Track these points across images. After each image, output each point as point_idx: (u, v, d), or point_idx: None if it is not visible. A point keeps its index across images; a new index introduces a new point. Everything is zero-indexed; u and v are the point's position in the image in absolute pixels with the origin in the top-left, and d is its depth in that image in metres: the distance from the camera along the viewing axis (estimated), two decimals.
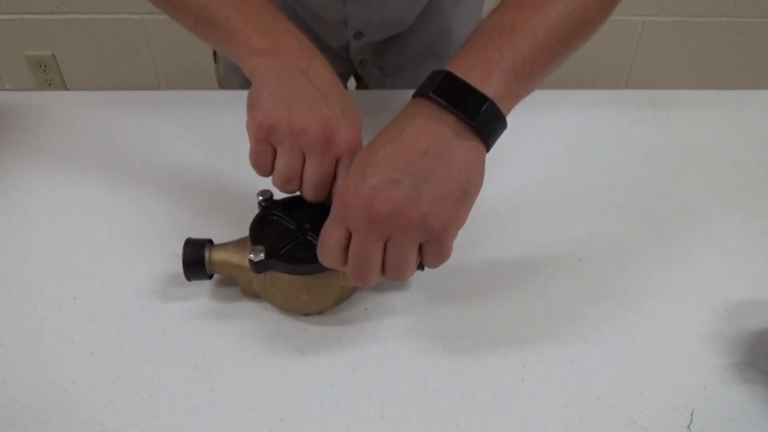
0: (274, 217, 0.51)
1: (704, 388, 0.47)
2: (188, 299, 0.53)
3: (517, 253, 0.57)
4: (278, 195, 0.51)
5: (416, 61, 0.80)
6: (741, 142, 0.71)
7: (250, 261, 0.47)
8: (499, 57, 0.43)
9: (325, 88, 0.47)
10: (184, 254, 0.49)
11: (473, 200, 0.43)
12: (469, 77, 0.42)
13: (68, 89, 1.79)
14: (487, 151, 0.43)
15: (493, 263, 0.56)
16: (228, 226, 0.57)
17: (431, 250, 0.42)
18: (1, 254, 0.56)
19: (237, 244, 0.51)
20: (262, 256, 0.47)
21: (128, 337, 0.50)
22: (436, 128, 0.41)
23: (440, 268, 0.55)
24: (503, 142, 0.68)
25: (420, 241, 0.42)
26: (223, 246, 0.51)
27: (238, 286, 0.53)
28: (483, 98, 0.41)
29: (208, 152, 0.67)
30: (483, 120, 0.41)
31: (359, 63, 0.82)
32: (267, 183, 0.49)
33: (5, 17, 1.66)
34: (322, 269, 0.47)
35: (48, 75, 1.78)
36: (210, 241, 0.51)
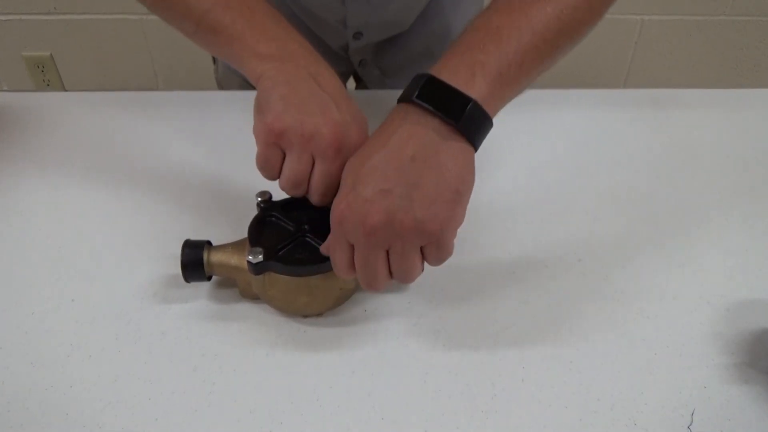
0: (273, 219, 0.51)
1: (704, 389, 0.47)
2: (187, 301, 0.53)
3: (516, 254, 0.57)
4: (277, 196, 0.51)
5: (416, 62, 0.80)
6: (741, 140, 0.71)
7: (249, 263, 0.47)
8: (483, 59, 0.43)
9: (334, 93, 0.47)
10: (183, 256, 0.49)
11: (467, 199, 0.43)
12: (453, 80, 0.42)
13: (66, 90, 1.79)
14: (476, 150, 0.44)
15: (493, 263, 0.56)
16: (227, 228, 0.57)
17: (432, 251, 0.43)
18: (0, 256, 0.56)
19: (236, 246, 0.50)
20: (260, 257, 0.46)
21: (127, 339, 0.50)
22: (422, 133, 0.41)
23: (440, 268, 0.55)
24: (502, 141, 0.68)
25: (420, 245, 0.42)
26: (222, 247, 0.51)
27: (237, 287, 0.52)
28: (467, 99, 0.41)
29: (207, 153, 0.67)
30: (468, 121, 0.42)
31: (359, 63, 0.81)
32: (266, 184, 0.49)
33: (3, 18, 1.66)
34: (321, 270, 0.47)
35: (46, 76, 1.77)
36: (209, 243, 0.51)
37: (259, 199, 0.51)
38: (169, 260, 0.55)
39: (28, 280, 0.54)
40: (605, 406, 0.46)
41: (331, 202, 0.46)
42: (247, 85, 0.49)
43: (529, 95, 0.77)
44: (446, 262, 0.55)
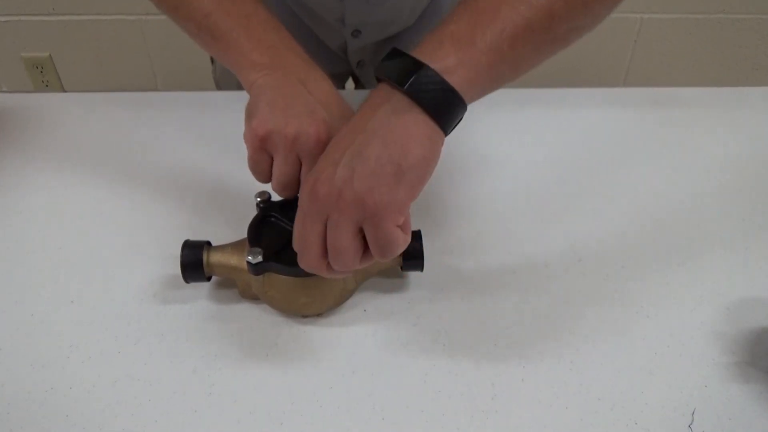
0: (272, 219, 0.51)
1: (705, 388, 0.47)
2: (187, 302, 0.52)
3: (517, 253, 0.57)
4: (276, 196, 0.51)
5: None
6: (740, 139, 0.71)
7: (248, 263, 0.47)
8: (455, 29, 0.40)
9: (322, 95, 0.47)
10: (182, 256, 0.49)
11: (415, 179, 0.39)
12: (418, 51, 0.40)
13: (65, 91, 1.79)
14: (442, 128, 0.40)
15: (493, 263, 0.56)
16: (226, 228, 0.57)
17: (370, 231, 0.40)
18: None
19: (235, 246, 0.50)
20: (260, 258, 0.46)
21: (127, 340, 0.50)
22: (381, 105, 0.40)
23: (440, 268, 0.55)
24: (502, 141, 0.68)
25: (356, 221, 0.40)
26: (221, 248, 0.50)
27: (236, 288, 0.52)
28: (417, 65, 0.39)
29: (206, 153, 0.67)
30: (418, 89, 0.38)
31: (357, 64, 0.81)
32: (265, 185, 0.49)
33: (2, 19, 1.66)
34: None
35: (45, 76, 1.77)
36: (208, 243, 0.51)
37: (259, 199, 0.51)
38: (169, 261, 0.55)
39: (28, 281, 0.54)
40: (606, 406, 0.46)
41: None
42: None
43: (529, 94, 0.77)
44: (446, 262, 0.56)
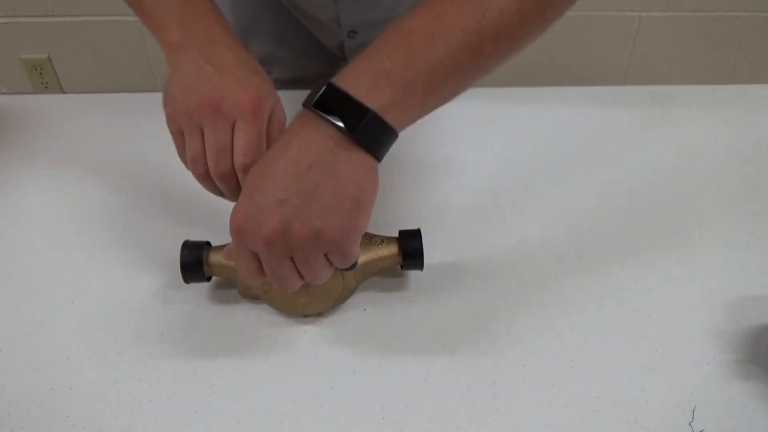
0: None
1: (706, 386, 0.47)
2: (186, 302, 0.52)
3: (516, 252, 0.57)
4: None
5: None
6: (739, 137, 0.71)
7: None
8: (389, 66, 0.41)
9: (222, 66, 0.46)
10: (182, 256, 0.49)
11: (369, 207, 0.42)
12: (354, 88, 0.40)
13: (64, 92, 1.79)
14: (379, 160, 0.42)
15: (493, 263, 0.56)
16: (226, 228, 0.57)
17: (336, 258, 0.42)
18: None
19: None
20: None
21: (127, 340, 0.50)
22: (321, 141, 0.40)
23: (440, 268, 0.55)
24: (501, 139, 0.68)
25: (322, 252, 0.41)
26: (221, 248, 0.50)
27: (236, 288, 0.52)
28: (364, 110, 0.39)
29: None
30: (365, 132, 0.40)
31: None
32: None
33: (1, 20, 1.66)
34: None
35: (44, 78, 1.77)
36: (208, 243, 0.51)
37: None
38: (169, 262, 0.55)
39: (28, 282, 0.54)
40: (606, 405, 0.46)
41: (232, 177, 0.45)
42: None
43: (528, 93, 0.77)
44: (446, 262, 0.56)
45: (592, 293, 0.54)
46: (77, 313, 0.52)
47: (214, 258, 0.50)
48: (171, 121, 0.46)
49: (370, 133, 0.40)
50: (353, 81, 0.40)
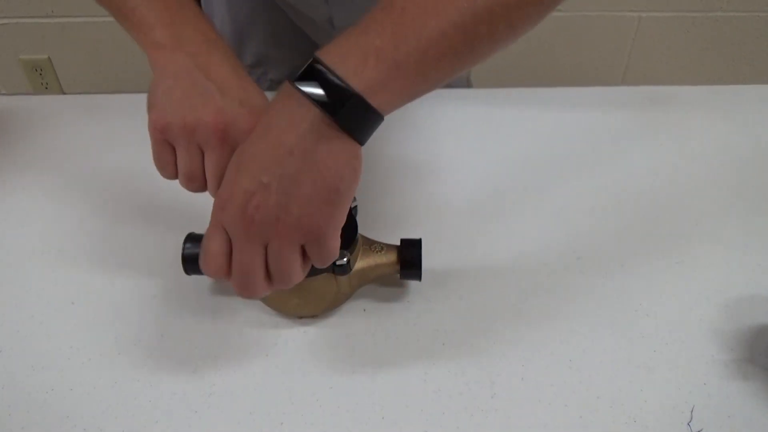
0: None
1: (704, 385, 0.47)
2: (186, 303, 0.53)
3: (516, 253, 0.57)
4: None
5: None
6: (738, 137, 0.71)
7: (335, 265, 0.46)
8: (380, 44, 0.38)
9: (222, 81, 0.45)
10: (185, 249, 0.49)
11: (349, 198, 0.40)
12: (340, 65, 0.38)
13: (64, 93, 1.79)
14: (362, 144, 0.40)
15: (492, 263, 0.56)
16: None
17: (314, 250, 0.41)
18: None
19: None
20: (345, 260, 0.46)
21: (126, 341, 0.50)
22: (301, 124, 0.38)
23: (440, 268, 0.55)
24: (500, 139, 0.68)
25: (299, 243, 0.40)
26: None
27: None
28: (349, 93, 0.37)
29: None
30: (347, 116, 0.38)
31: None
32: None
33: (0, 21, 1.66)
34: (312, 273, 0.46)
35: (44, 78, 1.77)
36: None
37: None
38: (168, 263, 0.55)
39: (28, 282, 0.54)
40: (605, 404, 0.46)
41: None
42: None
43: (527, 93, 0.77)
44: (446, 262, 0.56)
45: (590, 293, 0.54)
46: (77, 313, 0.52)
47: None
48: (159, 131, 0.44)
49: (354, 118, 0.38)
50: (340, 59, 0.38)
